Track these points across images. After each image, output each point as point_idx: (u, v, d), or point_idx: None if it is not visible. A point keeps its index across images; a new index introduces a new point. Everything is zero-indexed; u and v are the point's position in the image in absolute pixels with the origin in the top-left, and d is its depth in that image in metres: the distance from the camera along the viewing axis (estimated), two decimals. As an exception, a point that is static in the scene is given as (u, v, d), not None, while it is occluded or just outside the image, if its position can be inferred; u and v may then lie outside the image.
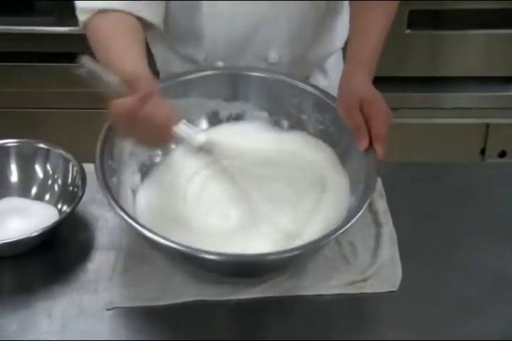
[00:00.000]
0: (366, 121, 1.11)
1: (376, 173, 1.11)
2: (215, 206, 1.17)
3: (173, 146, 1.21)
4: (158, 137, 1.05)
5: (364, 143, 1.11)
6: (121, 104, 0.99)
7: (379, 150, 1.10)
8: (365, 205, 1.06)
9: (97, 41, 1.14)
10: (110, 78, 0.99)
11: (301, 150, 1.24)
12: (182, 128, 1.07)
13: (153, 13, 1.21)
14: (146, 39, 1.42)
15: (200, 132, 1.10)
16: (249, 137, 1.26)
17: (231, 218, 1.15)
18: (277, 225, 1.13)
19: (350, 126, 1.13)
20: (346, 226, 1.04)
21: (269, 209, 1.15)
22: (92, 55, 1.05)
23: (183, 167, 1.21)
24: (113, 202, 1.05)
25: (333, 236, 1.04)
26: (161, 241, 1.01)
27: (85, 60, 0.97)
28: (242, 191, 1.16)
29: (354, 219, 1.04)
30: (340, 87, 1.18)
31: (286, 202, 1.17)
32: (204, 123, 1.27)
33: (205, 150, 1.10)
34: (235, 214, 1.16)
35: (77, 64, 0.97)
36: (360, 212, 1.05)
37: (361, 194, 1.09)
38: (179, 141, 1.09)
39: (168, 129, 1.04)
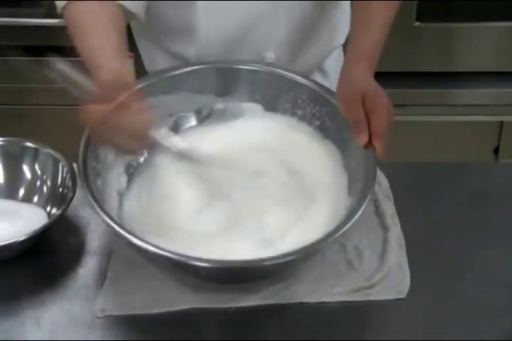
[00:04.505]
0: (366, 116, 1.12)
1: (375, 172, 1.11)
2: (203, 207, 1.17)
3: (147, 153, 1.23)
4: (134, 143, 1.07)
5: (364, 137, 1.12)
6: (95, 110, 1.00)
7: (378, 146, 1.11)
8: (364, 206, 1.06)
9: (78, 35, 1.14)
10: (85, 83, 1.00)
11: (296, 146, 1.24)
12: (160, 135, 1.10)
13: (135, 2, 1.20)
14: (133, 37, 1.44)
15: (179, 138, 1.13)
16: (243, 134, 1.26)
17: (218, 220, 1.15)
18: (261, 227, 1.13)
19: (350, 120, 1.14)
20: (342, 230, 1.04)
21: (255, 209, 1.15)
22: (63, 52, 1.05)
23: (168, 169, 1.22)
24: (98, 209, 1.06)
25: (329, 240, 1.04)
26: (149, 249, 1.02)
27: (57, 64, 0.97)
28: (227, 191, 1.16)
29: (351, 222, 1.04)
30: (340, 79, 1.19)
31: (275, 203, 1.16)
32: (195, 119, 1.28)
33: (183, 155, 1.12)
34: (221, 216, 1.15)
35: (48, 67, 0.97)
36: (358, 214, 1.05)
37: (359, 193, 1.09)
38: (157, 147, 1.11)
39: (143, 136, 1.07)
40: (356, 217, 1.05)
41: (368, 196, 1.08)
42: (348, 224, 1.05)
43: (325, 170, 1.21)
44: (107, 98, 1.01)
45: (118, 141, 1.06)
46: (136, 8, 1.21)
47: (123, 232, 1.04)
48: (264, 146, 1.24)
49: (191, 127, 1.28)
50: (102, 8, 1.15)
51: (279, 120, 1.27)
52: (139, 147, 1.11)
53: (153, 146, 1.11)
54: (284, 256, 1.02)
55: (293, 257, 1.03)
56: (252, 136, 1.25)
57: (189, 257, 1.01)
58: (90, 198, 1.07)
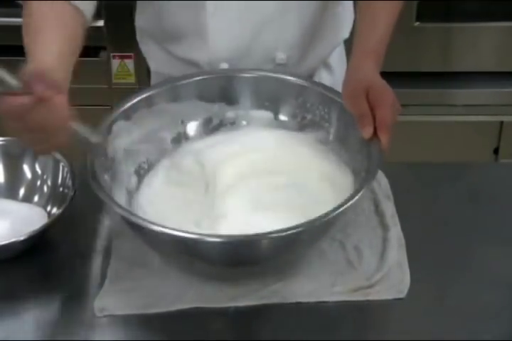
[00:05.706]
0: (371, 110, 1.12)
1: (378, 161, 1.11)
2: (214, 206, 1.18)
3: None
4: (49, 141, 1.03)
5: (369, 130, 1.12)
6: (12, 101, 0.98)
7: (384, 138, 1.11)
8: (366, 186, 1.08)
9: (26, 33, 1.14)
10: (9, 79, 0.99)
11: (306, 149, 1.25)
12: (77, 129, 1.07)
13: (85, 2, 1.20)
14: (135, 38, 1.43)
15: (96, 132, 1.12)
16: (253, 138, 1.27)
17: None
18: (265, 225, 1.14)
19: (355, 114, 1.14)
20: (347, 204, 1.05)
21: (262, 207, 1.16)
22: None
23: (183, 170, 1.22)
24: (104, 195, 1.07)
25: (333, 214, 1.04)
26: (157, 229, 1.02)
27: None
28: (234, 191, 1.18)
29: (355, 198, 1.05)
30: (347, 75, 1.20)
31: (281, 201, 1.17)
32: (205, 128, 1.29)
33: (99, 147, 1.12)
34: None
35: None
36: (361, 193, 1.06)
37: (362, 180, 1.10)
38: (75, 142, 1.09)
39: (60, 133, 1.02)
40: (358, 196, 1.06)
41: (371, 180, 1.09)
42: (353, 200, 1.05)
43: (331, 171, 1.21)
44: (27, 90, 0.98)
45: (31, 139, 1.02)
46: (84, 5, 1.19)
47: (129, 215, 1.05)
48: (271, 149, 1.25)
49: (201, 135, 1.28)
50: (51, 8, 1.15)
51: (288, 126, 1.28)
52: (54, 146, 1.06)
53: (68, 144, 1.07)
54: (286, 229, 1.03)
55: (295, 230, 1.03)
56: (261, 141, 1.26)
57: (198, 234, 1.04)
58: (95, 185, 1.08)
